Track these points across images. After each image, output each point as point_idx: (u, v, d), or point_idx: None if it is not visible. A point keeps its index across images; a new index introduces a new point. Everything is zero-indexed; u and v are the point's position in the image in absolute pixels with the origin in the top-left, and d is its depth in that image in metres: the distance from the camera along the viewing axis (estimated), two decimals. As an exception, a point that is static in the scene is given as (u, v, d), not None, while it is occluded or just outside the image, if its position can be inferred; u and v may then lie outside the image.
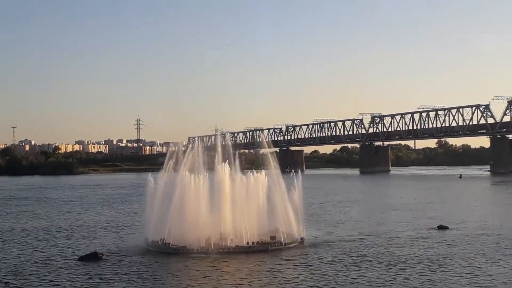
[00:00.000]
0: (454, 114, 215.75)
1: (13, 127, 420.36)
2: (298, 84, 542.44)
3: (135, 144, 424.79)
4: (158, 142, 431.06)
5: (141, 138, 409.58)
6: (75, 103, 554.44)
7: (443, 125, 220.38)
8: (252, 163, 47.25)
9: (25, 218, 68.92)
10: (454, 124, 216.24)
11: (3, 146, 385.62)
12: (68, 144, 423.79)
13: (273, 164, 46.41)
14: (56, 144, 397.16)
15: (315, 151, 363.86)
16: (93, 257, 39.23)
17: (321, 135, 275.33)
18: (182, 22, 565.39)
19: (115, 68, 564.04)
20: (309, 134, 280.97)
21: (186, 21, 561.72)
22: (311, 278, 32.51)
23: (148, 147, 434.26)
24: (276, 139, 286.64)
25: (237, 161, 45.47)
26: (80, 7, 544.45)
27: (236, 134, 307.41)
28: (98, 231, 55.05)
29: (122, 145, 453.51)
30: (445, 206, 76.61)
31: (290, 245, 42.63)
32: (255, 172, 45.99)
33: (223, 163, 44.97)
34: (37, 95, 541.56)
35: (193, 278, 33.24)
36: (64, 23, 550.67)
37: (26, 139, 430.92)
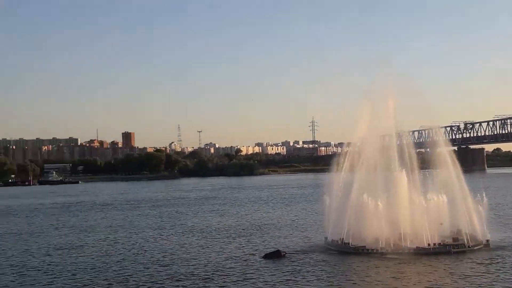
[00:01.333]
0: None
1: (199, 131, 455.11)
2: (475, 78, 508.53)
3: (310, 145, 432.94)
4: (332, 143, 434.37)
5: (316, 139, 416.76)
6: (254, 107, 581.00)
7: None
8: (428, 162, 46.02)
9: (217, 216, 74.65)
10: None
11: (191, 149, 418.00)
12: (249, 146, 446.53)
13: (452, 163, 44.95)
14: (238, 147, 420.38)
15: (497, 149, 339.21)
16: (276, 255, 41.20)
17: (503, 131, 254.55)
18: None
19: (289, 69, 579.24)
20: (490, 131, 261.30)
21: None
22: (505, 285, 30.60)
23: (323, 148, 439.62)
24: (453, 137, 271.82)
25: (414, 161, 44.68)
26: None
27: (411, 133, 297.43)
28: (281, 229, 57.66)
29: (299, 146, 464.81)
30: None
31: (475, 248, 40.84)
32: (432, 171, 44.96)
33: (400, 163, 44.49)
34: (221, 100, 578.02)
35: (376, 279, 33.41)
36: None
37: (211, 142, 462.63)
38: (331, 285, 32.49)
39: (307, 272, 35.77)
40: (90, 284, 34.87)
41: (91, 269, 39.45)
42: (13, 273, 39.14)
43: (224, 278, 35.06)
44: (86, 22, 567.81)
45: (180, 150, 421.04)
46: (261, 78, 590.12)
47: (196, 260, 41.61)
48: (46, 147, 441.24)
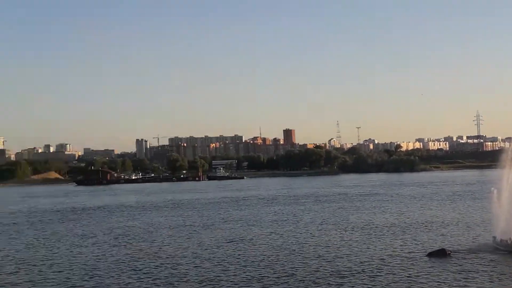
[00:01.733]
0: None
1: (358, 128, 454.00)
2: None
3: (475, 140, 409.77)
4: (499, 137, 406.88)
5: (481, 134, 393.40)
6: (414, 101, 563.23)
7: None
8: None
9: (379, 213, 74.85)
10: None
11: (349, 146, 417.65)
12: (409, 142, 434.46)
13: None
14: (398, 143, 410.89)
15: None
16: (441, 254, 40.65)
17: None
18: None
19: (449, 60, 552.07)
20: None
21: None
22: None
23: (489, 143, 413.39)
24: None
25: None
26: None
27: None
28: (445, 227, 56.47)
29: (462, 141, 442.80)
30: None
31: None
32: None
33: None
34: (379, 95, 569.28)
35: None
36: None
37: (370, 138, 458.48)
38: (496, 286, 31.64)
39: (475, 272, 35.02)
40: (259, 276, 37.11)
41: (259, 261, 41.93)
42: (188, 263, 42.47)
43: (388, 276, 35.46)
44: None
45: (339, 146, 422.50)
46: (419, 70, 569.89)
47: (359, 256, 42.40)
48: (213, 144, 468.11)
